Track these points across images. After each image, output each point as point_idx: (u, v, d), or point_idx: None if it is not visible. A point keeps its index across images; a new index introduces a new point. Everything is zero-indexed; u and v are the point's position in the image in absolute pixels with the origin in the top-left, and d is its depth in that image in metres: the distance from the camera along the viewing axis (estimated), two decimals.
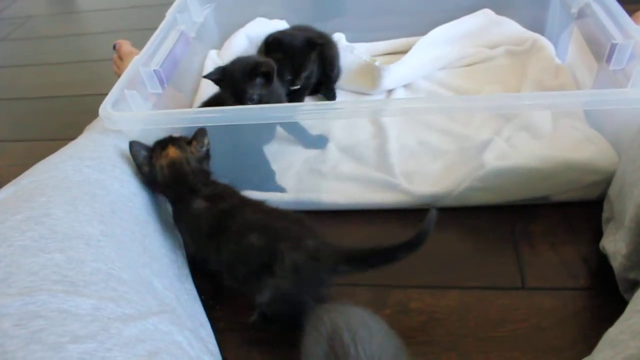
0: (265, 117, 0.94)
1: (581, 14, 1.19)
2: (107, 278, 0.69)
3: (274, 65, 1.08)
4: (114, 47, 1.41)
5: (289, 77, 1.21)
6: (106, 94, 0.98)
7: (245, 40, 1.51)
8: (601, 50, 1.04)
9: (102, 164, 0.89)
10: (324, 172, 1.13)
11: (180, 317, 0.78)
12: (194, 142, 0.92)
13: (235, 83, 1.07)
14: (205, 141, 0.92)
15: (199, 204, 0.88)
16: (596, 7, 1.09)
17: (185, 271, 0.93)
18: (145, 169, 0.92)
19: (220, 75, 1.10)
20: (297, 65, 1.21)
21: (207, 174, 0.93)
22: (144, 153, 0.92)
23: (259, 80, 1.07)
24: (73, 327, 0.61)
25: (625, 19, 1.01)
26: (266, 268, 0.79)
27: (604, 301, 0.86)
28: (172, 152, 0.91)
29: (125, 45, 1.40)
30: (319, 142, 1.18)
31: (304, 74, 1.23)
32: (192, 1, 1.37)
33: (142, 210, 0.90)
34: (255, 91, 1.06)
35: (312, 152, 1.16)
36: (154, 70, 1.09)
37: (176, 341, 0.70)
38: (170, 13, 1.28)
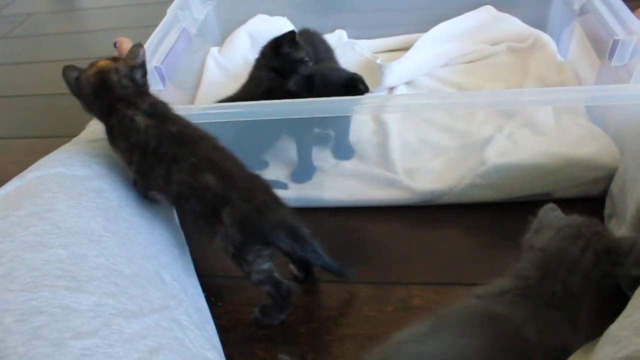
0: (266, 112, 0.95)
1: (583, 10, 1.19)
2: (110, 273, 0.69)
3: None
4: (115, 45, 1.41)
5: None
6: None
7: (247, 37, 1.51)
8: (603, 47, 1.04)
9: (111, 159, 0.90)
10: (326, 169, 1.13)
11: (186, 310, 0.78)
12: (130, 52, 0.88)
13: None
14: (140, 52, 0.88)
15: (140, 120, 0.84)
16: (598, 3, 1.09)
17: (191, 267, 0.93)
18: (72, 87, 0.87)
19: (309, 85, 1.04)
20: None
21: (138, 84, 0.88)
22: (75, 74, 0.87)
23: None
24: (75, 323, 0.61)
25: (627, 15, 1.01)
26: (216, 213, 0.81)
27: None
28: (102, 63, 0.87)
29: (126, 43, 1.39)
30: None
31: None
32: None
33: (150, 203, 0.91)
34: None
35: (314, 150, 1.16)
36: (155, 67, 1.09)
37: (178, 338, 0.70)
38: (171, 10, 1.28)
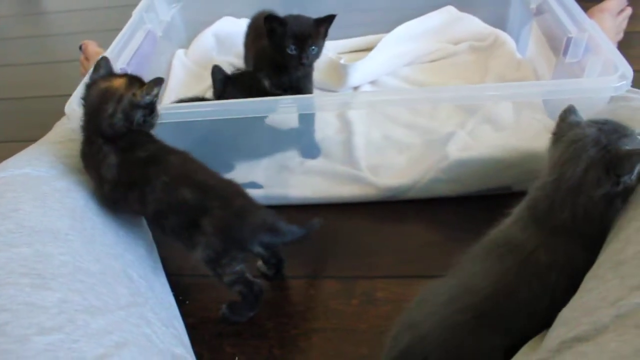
0: (231, 111, 0.96)
1: (540, 10, 1.23)
2: (75, 271, 0.70)
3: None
4: (80, 48, 1.40)
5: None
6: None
7: (213, 39, 1.52)
8: (558, 45, 1.08)
9: (78, 160, 0.89)
10: (292, 167, 1.14)
11: (153, 308, 0.78)
12: (144, 87, 0.82)
13: (302, 29, 1.08)
14: (154, 91, 0.82)
15: (113, 159, 0.83)
16: (553, 3, 1.13)
17: (159, 265, 0.94)
18: (84, 90, 0.86)
19: (280, 23, 1.09)
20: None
21: (133, 123, 0.83)
22: (98, 75, 0.86)
23: (323, 30, 1.11)
24: (39, 319, 0.61)
25: (580, 14, 1.05)
26: (196, 224, 0.82)
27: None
28: (118, 83, 0.83)
29: (92, 46, 1.40)
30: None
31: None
32: (159, 0, 1.37)
33: None
34: (318, 42, 1.10)
35: (280, 149, 1.17)
36: (121, 69, 1.09)
37: (145, 333, 0.71)
38: (137, 12, 1.28)
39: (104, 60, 0.88)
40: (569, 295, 0.65)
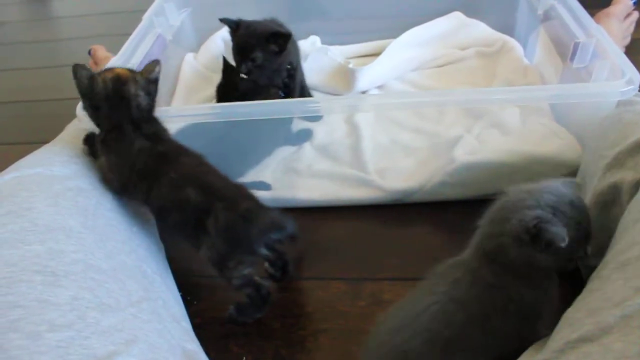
0: (235, 114, 0.97)
1: (547, 16, 1.23)
2: (87, 268, 0.71)
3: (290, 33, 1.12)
4: (89, 53, 1.42)
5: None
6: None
7: (222, 44, 1.53)
8: (566, 50, 1.09)
9: (90, 160, 0.91)
10: (300, 170, 1.15)
11: (166, 303, 0.80)
12: (146, 68, 0.88)
13: (243, 40, 1.11)
14: (156, 69, 0.88)
15: (137, 144, 0.86)
16: (561, 9, 1.14)
17: (167, 264, 0.95)
18: (87, 87, 0.85)
19: (236, 26, 1.12)
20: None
21: (151, 104, 0.89)
22: (87, 73, 0.85)
23: (272, 47, 1.11)
24: (51, 316, 0.62)
25: (587, 20, 1.06)
26: (201, 224, 0.82)
27: (569, 288, 0.89)
28: (120, 70, 0.87)
29: (101, 51, 1.41)
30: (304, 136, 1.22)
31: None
32: (169, 5, 1.38)
33: (128, 201, 0.92)
34: (259, 56, 1.10)
35: (288, 151, 1.18)
36: None
37: (156, 329, 0.72)
38: (147, 16, 1.29)
39: (81, 67, 0.87)
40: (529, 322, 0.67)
